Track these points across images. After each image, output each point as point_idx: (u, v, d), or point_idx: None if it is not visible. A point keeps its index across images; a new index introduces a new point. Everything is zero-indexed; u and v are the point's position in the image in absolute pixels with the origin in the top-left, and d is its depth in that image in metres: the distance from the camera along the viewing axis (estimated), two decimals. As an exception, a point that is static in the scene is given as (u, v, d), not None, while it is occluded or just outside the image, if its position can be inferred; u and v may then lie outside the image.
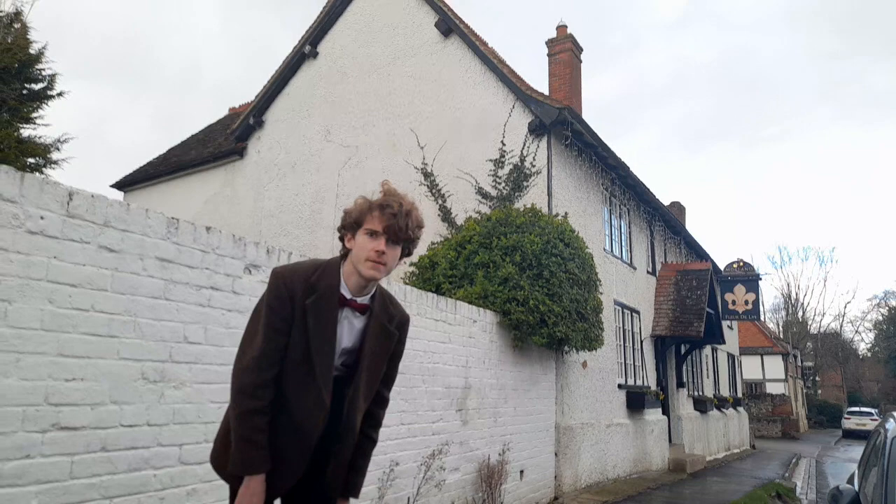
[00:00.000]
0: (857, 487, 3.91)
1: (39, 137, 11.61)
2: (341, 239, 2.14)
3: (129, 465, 2.91)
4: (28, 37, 11.78)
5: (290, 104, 12.18)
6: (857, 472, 4.90)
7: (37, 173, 2.54)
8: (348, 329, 2.11)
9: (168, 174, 13.57)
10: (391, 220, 2.03)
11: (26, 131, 11.44)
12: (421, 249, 8.45)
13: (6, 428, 2.49)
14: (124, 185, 14.12)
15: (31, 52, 11.74)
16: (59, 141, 11.82)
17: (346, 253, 2.13)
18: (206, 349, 3.33)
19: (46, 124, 15.68)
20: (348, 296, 2.09)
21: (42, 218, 2.69)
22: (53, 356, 2.67)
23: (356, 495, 2.20)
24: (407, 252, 2.16)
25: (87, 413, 2.76)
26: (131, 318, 2.98)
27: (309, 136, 11.73)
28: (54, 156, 11.66)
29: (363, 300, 2.12)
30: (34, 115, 11.54)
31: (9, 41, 11.09)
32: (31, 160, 10.71)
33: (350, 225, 2.10)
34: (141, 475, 2.95)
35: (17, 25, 11.46)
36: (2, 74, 10.54)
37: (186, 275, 3.27)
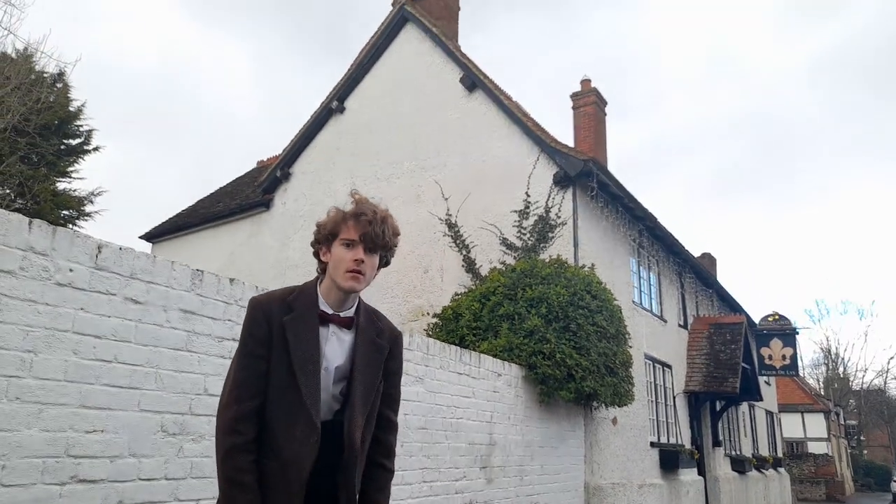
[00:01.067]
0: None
1: (74, 191, 12.06)
2: (315, 255, 2.09)
3: (145, 520, 2.86)
4: (68, 95, 12.40)
5: (316, 157, 12.47)
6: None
7: (70, 225, 2.65)
8: (338, 346, 2.00)
9: (196, 226, 13.89)
10: (367, 228, 1.97)
11: (62, 184, 11.90)
12: (444, 301, 8.42)
13: (26, 480, 2.48)
14: (153, 236, 14.48)
15: (71, 108, 12.34)
16: (92, 194, 12.26)
17: (322, 269, 2.07)
18: (227, 402, 3.31)
19: (81, 178, 16.32)
20: (329, 311, 2.01)
21: (71, 270, 2.75)
22: (75, 407, 2.67)
23: None
24: (385, 262, 2.09)
25: (106, 465, 2.74)
26: (153, 369, 2.99)
27: (334, 187, 11.95)
28: (87, 208, 12.07)
29: (346, 314, 2.03)
30: (70, 169, 12.03)
31: (51, 100, 11.70)
32: (65, 212, 11.11)
33: (325, 238, 2.05)
34: (156, 532, 2.90)
35: (59, 85, 12.09)
36: (42, 131, 11.06)
37: (209, 326, 3.29)
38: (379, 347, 2.07)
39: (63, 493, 2.58)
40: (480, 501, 5.52)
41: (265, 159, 16.48)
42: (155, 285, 3.06)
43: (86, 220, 12.03)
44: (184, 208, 15.19)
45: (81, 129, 12.47)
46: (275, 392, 1.89)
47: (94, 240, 2.88)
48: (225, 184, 16.05)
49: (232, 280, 3.49)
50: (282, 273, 11.97)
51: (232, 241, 13.21)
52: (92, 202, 12.24)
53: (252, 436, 1.85)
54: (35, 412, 2.54)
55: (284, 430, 1.87)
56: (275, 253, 12.42)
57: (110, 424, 2.78)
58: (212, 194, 15.50)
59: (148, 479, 2.90)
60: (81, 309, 2.75)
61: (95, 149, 12.60)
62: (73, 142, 12.46)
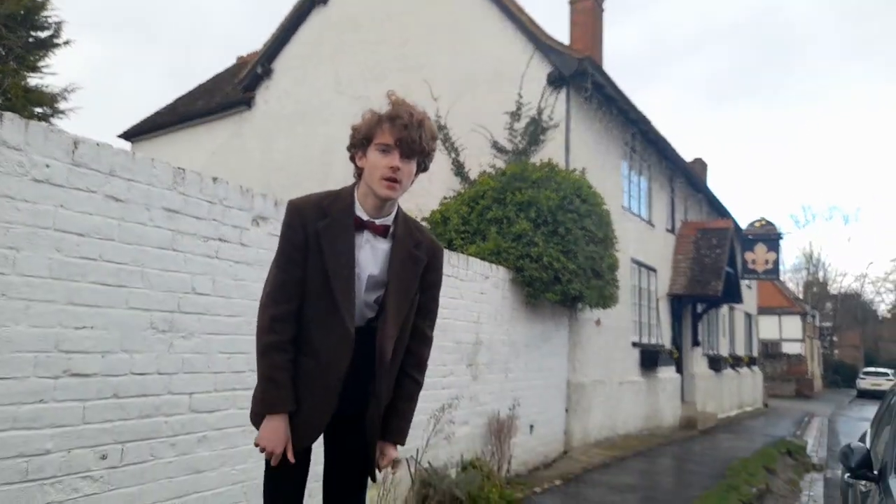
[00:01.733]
0: (868, 446, 3.88)
1: (46, 86, 11.56)
2: (352, 159, 2.02)
3: (141, 411, 2.96)
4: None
5: (299, 53, 11.93)
6: (869, 430, 4.87)
7: (44, 123, 2.53)
8: (372, 254, 1.97)
9: (175, 124, 13.47)
10: (403, 133, 1.89)
11: (33, 80, 11.39)
12: (433, 204, 8.39)
13: (19, 373, 2.53)
14: (131, 135, 14.08)
15: (37, -2, 11.60)
16: (66, 90, 11.77)
17: (358, 175, 2.01)
18: (215, 300, 3.34)
19: (53, 73, 15.58)
20: (365, 217, 1.97)
21: (47, 166, 2.67)
22: (63, 304, 2.69)
23: (402, 441, 2.10)
24: (423, 167, 2.02)
25: (98, 360, 2.80)
26: (139, 268, 2.98)
27: (318, 86, 11.54)
28: (61, 105, 11.63)
29: (383, 221, 1.98)
30: (41, 63, 11.46)
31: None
32: (38, 110, 10.70)
33: (359, 142, 1.98)
34: (152, 422, 3.01)
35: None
36: (7, 22, 10.43)
37: (193, 226, 3.26)
38: (416, 259, 2.03)
39: (57, 386, 2.65)
40: (466, 396, 5.76)
41: (245, 55, 15.76)
42: (136, 183, 2.99)
43: (60, 118, 11.60)
44: (162, 106, 14.69)
45: (49, 20, 11.76)
46: (311, 296, 1.92)
47: (70, 135, 2.78)
48: (204, 81, 15.44)
49: (215, 179, 3.42)
50: (266, 176, 11.78)
51: (213, 141, 12.89)
52: (66, 99, 11.76)
53: (288, 336, 1.89)
54: (22, 308, 2.55)
55: (320, 333, 1.92)
56: (258, 155, 12.16)
57: (99, 321, 2.81)
58: (190, 92, 14.94)
59: (140, 374, 2.97)
60: (61, 206, 2.70)
61: (66, 42, 11.95)
62: (42, 34, 11.79)
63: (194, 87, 15.13)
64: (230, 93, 13.04)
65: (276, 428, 1.87)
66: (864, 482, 3.46)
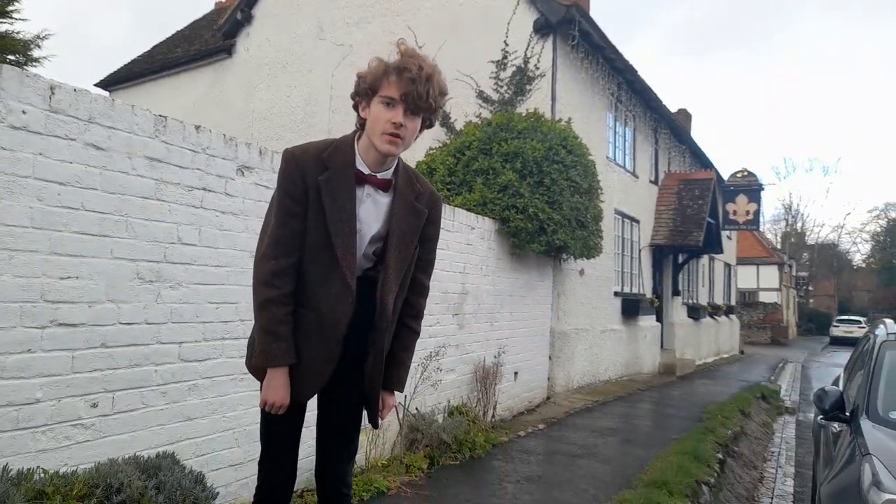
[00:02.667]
0: (841, 389, 4.03)
1: (17, 33, 11.07)
2: (355, 108, 1.94)
3: (130, 360, 2.97)
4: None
5: (280, -2, 11.55)
6: (842, 375, 5.05)
7: (17, 68, 2.42)
8: (374, 208, 1.94)
9: (153, 73, 13.08)
10: (410, 87, 1.80)
11: (2, 26, 10.90)
12: (418, 155, 8.31)
13: (5, 323, 2.51)
14: (108, 84, 13.66)
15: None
16: (38, 37, 11.27)
17: (361, 125, 1.94)
18: (201, 251, 3.32)
19: (24, 19, 14.90)
20: (366, 171, 1.91)
21: (24, 112, 2.58)
22: (46, 254, 2.65)
23: (401, 389, 2.12)
24: (428, 123, 1.94)
25: (85, 310, 2.78)
26: (123, 217, 2.94)
27: (300, 33, 11.22)
28: (35, 53, 11.17)
29: (384, 175, 1.94)
30: (10, 8, 10.95)
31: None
32: (10, 57, 10.27)
33: (364, 91, 1.88)
34: (142, 370, 3.02)
35: None
36: (-28, -37, 9.91)
37: (177, 175, 3.20)
38: (417, 212, 2.00)
39: (44, 335, 2.64)
40: (453, 345, 5.85)
41: (224, 0, 15.23)
42: (116, 131, 2.91)
43: (34, 66, 11.14)
44: (139, 54, 14.21)
45: (15, -40, 11.20)
46: (311, 250, 1.89)
47: (46, 80, 2.68)
48: (182, 27, 14.92)
49: (198, 127, 3.34)
50: (249, 125, 11.56)
51: (193, 90, 12.55)
52: (39, 46, 11.27)
53: (288, 290, 1.87)
54: (5, 258, 2.51)
55: (321, 287, 1.89)
56: (240, 104, 11.90)
57: (84, 271, 2.78)
58: (168, 39, 14.45)
59: (128, 324, 2.97)
60: (40, 154, 2.63)
61: (35, -16, 11.41)
62: (8, -24, 11.24)
63: (172, 34, 14.63)
64: (210, 40, 12.64)
65: (279, 381, 1.88)
66: (836, 423, 3.61)
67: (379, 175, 1.93)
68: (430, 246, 2.10)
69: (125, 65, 13.97)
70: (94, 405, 2.83)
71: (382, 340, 1.99)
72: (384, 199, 1.96)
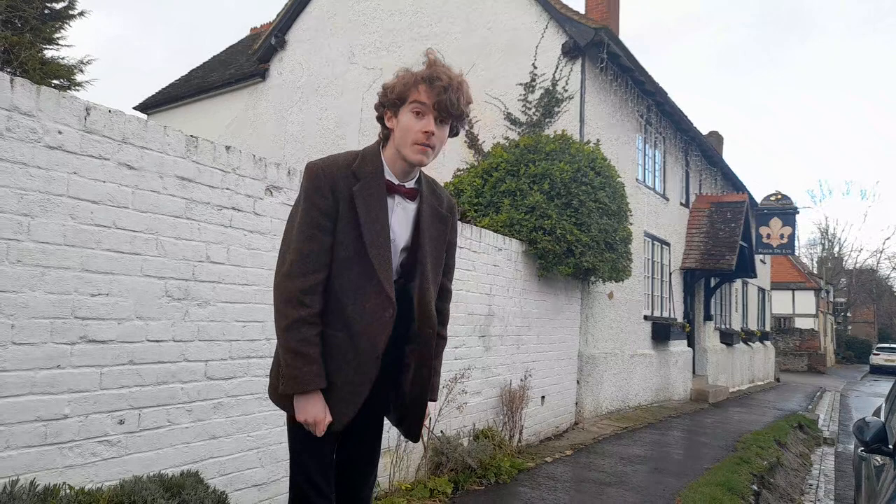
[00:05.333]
0: (883, 420, 3.85)
1: (63, 58, 11.54)
2: (380, 119, 1.92)
3: (157, 378, 2.99)
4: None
5: (312, 24, 11.83)
6: (884, 406, 4.84)
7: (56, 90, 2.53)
8: (403, 219, 1.91)
9: (190, 96, 13.46)
10: (441, 96, 1.78)
11: (49, 52, 11.36)
12: (446, 176, 8.33)
13: (36, 339, 2.55)
14: (146, 107, 14.09)
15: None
16: (81, 62, 11.76)
17: (385, 136, 1.91)
18: (229, 269, 3.35)
19: (69, 45, 15.57)
20: (396, 182, 1.88)
21: (60, 133, 2.66)
22: (78, 271, 2.70)
23: (435, 398, 2.07)
24: (455, 132, 1.93)
25: (114, 327, 2.82)
26: (153, 236, 2.98)
27: (332, 57, 11.44)
28: (78, 77, 11.62)
29: (411, 185, 1.92)
30: (56, 35, 11.43)
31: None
32: (55, 82, 10.68)
33: (391, 102, 1.85)
34: (168, 388, 3.04)
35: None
36: (21, -8, 10.38)
37: (207, 195, 3.25)
38: (443, 218, 1.99)
39: (74, 352, 2.67)
40: (478, 367, 5.78)
41: (259, 26, 15.68)
42: (148, 151, 2.98)
43: (77, 90, 11.61)
44: (176, 78, 14.64)
45: (63, -9, 11.70)
46: (342, 264, 1.81)
47: (82, 101, 2.76)
48: (218, 52, 15.37)
49: (228, 148, 3.40)
50: (281, 147, 11.77)
51: (228, 112, 12.86)
52: (82, 71, 11.77)
53: (318, 308, 1.79)
54: (38, 275, 2.56)
55: (354, 303, 1.82)
56: (272, 126, 12.14)
57: (115, 288, 2.82)
58: (205, 63, 14.89)
59: (156, 341, 2.99)
60: (75, 173, 2.69)
61: (81, 13, 11.90)
62: (57, 5, 11.74)
63: (209, 59, 15.08)
64: (244, 64, 12.98)
65: (316, 405, 1.78)
66: (878, 456, 3.44)
67: (407, 185, 1.92)
68: (452, 251, 2.09)
69: (163, 88, 14.40)
70: (121, 422, 2.84)
71: (430, 351, 1.94)
72: (411, 208, 1.93)
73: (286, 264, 1.80)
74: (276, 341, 2.09)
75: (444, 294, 2.09)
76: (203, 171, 3.23)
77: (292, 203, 3.70)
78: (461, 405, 5.34)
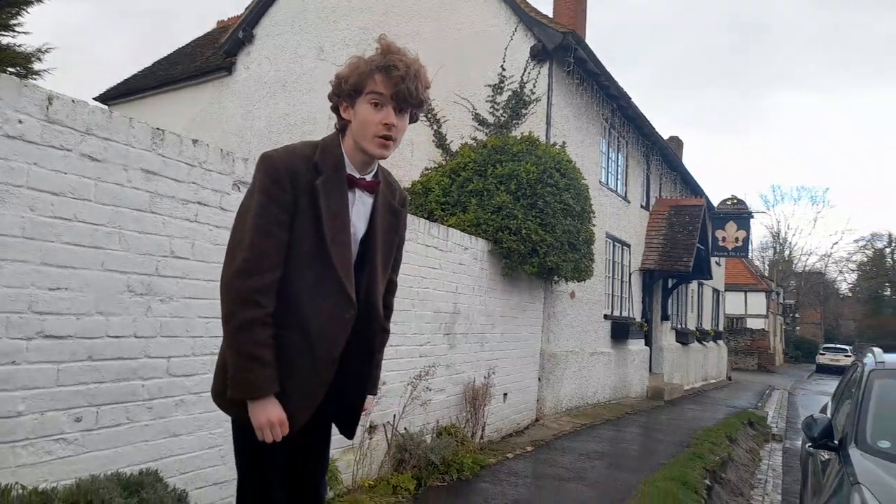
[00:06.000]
0: (830, 417, 4.04)
1: (19, 46, 11.07)
2: (335, 109, 1.85)
3: (117, 374, 2.92)
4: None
5: (281, 18, 11.67)
6: (830, 403, 5.06)
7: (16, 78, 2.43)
8: (362, 213, 1.84)
9: (153, 88, 13.13)
10: (399, 86, 1.71)
11: (5, 39, 10.90)
12: (414, 175, 8.34)
13: (-9, 334, 2.47)
14: (108, 98, 13.67)
15: (4, -49, 11.04)
16: (40, 51, 11.29)
17: (342, 127, 1.84)
18: (194, 265, 3.30)
19: (27, 32, 14.93)
20: (357, 175, 1.82)
21: (20, 122, 2.58)
22: (36, 265, 2.62)
23: (375, 391, 2.03)
24: (415, 118, 1.87)
25: (73, 322, 2.75)
26: (116, 229, 2.92)
27: (301, 53, 11.31)
28: (35, 66, 11.15)
29: (370, 178, 1.86)
30: (13, 22, 10.96)
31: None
32: (11, 70, 10.25)
33: (347, 92, 1.78)
34: (129, 385, 2.98)
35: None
36: (-25, -23, 9.94)
37: (172, 188, 3.19)
38: (396, 212, 1.95)
39: (30, 347, 2.60)
40: (443, 364, 5.82)
41: (226, 19, 15.39)
42: (112, 142, 2.91)
43: (35, 79, 11.13)
44: (140, 70, 14.26)
45: (20, -24, 11.22)
46: (300, 262, 1.72)
47: (44, 90, 2.68)
48: (183, 45, 15.01)
49: (195, 141, 3.35)
50: (246, 143, 11.59)
51: (193, 106, 12.59)
52: (40, 59, 11.26)
53: (272, 308, 1.69)
54: (-5, 268, 2.48)
55: (311, 303, 1.73)
56: (239, 121, 11.93)
57: (74, 283, 2.75)
58: (170, 55, 14.53)
59: (117, 337, 2.93)
60: (35, 164, 2.62)
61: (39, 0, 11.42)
62: (13, -9, 11.24)
63: (174, 51, 14.72)
64: (211, 58, 12.73)
65: (274, 406, 1.68)
66: (824, 451, 3.61)
67: (367, 178, 1.86)
68: (402, 245, 2.05)
69: (125, 80, 14.01)
70: (78, 419, 2.78)
71: (373, 346, 1.92)
72: (369, 201, 1.87)
73: (238, 261, 1.68)
74: None
75: (391, 287, 2.05)
76: (169, 165, 3.17)
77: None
78: (425, 402, 5.37)
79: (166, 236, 3.15)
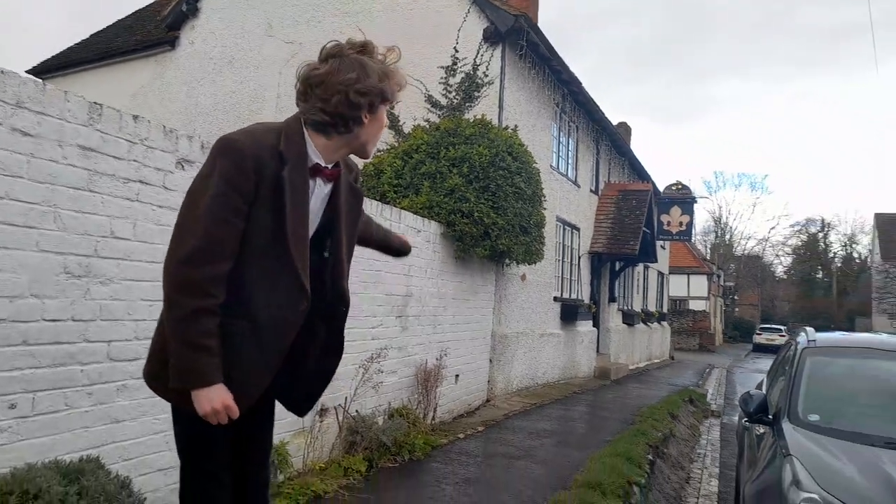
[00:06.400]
0: (765, 393, 4.24)
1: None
2: (357, 120, 1.81)
3: (54, 359, 2.81)
4: None
5: (228, -9, 11.26)
6: (765, 380, 5.32)
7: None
8: (320, 201, 1.85)
9: (90, 62, 12.50)
10: (399, 94, 1.88)
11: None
12: (366, 155, 8.24)
13: (-86, 319, 2.33)
14: (41, 71, 12.92)
15: None
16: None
17: (324, 122, 1.77)
18: (136, 246, 3.18)
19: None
20: (323, 164, 1.82)
21: (-58, 93, 2.42)
22: (-36, 245, 2.48)
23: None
24: None
25: (6, 305, 2.62)
26: (51, 208, 2.78)
27: (248, 28, 10.95)
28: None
29: (335, 166, 1.87)
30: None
31: None
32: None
33: (373, 100, 1.80)
34: (67, 370, 2.86)
35: None
36: None
37: (112, 166, 3.06)
38: (356, 192, 1.98)
39: (-40, 331, 2.47)
40: (395, 347, 5.82)
41: (167, -11, 14.68)
42: (47, 117, 2.76)
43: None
44: (76, 42, 13.54)
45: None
46: (255, 252, 1.70)
47: (-34, 59, 2.52)
48: (123, 16, 14.32)
49: (136, 117, 3.21)
50: (191, 120, 11.19)
51: (134, 81, 12.05)
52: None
53: (222, 298, 1.65)
54: (-83, 248, 2.33)
55: (264, 294, 1.72)
56: (183, 98, 11.50)
57: (6, 264, 2.62)
58: (108, 27, 13.84)
59: (53, 321, 2.81)
60: (-41, 138, 2.46)
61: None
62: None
63: (113, 23, 14.01)
64: (152, 31, 12.17)
65: (221, 392, 1.65)
66: (760, 426, 3.79)
67: (331, 167, 1.86)
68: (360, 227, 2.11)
69: (60, 52, 13.28)
70: (12, 406, 2.66)
71: (342, 329, 1.93)
72: (327, 189, 1.88)
73: (188, 248, 1.62)
74: None
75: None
76: (108, 141, 3.04)
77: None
78: (377, 384, 5.37)
79: (106, 216, 3.03)
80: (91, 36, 13.60)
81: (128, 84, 12.05)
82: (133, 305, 3.18)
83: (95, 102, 3.01)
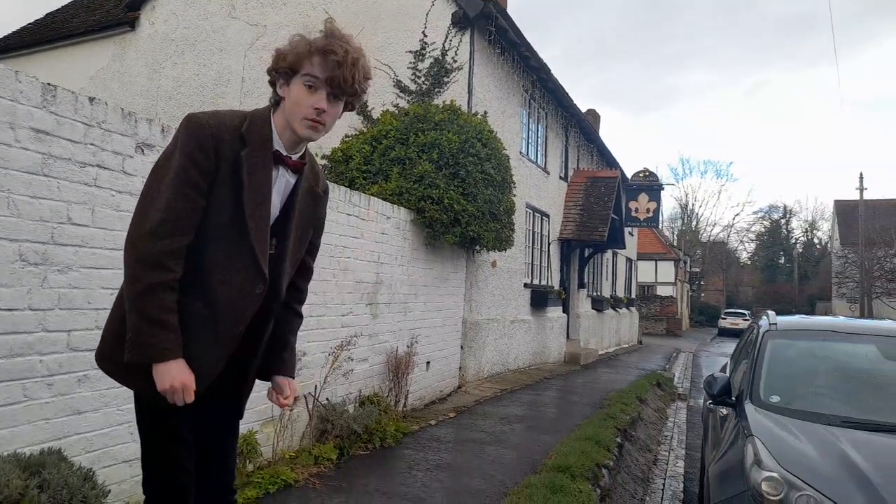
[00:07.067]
0: (728, 376, 4.34)
1: None
2: (272, 83, 1.83)
3: (11, 350, 2.72)
4: None
5: (190, -29, 10.95)
6: (729, 363, 5.44)
7: None
8: (283, 191, 1.84)
9: (46, 43, 12.05)
10: (335, 71, 1.72)
11: None
12: (334, 142, 8.15)
13: None
14: (-7, 52, 12.46)
15: None
16: None
17: (276, 102, 1.83)
18: (95, 232, 3.09)
19: None
20: (284, 152, 1.81)
21: None
22: None
23: (293, 374, 2.04)
24: (350, 107, 1.88)
25: (-43, 296, 2.52)
26: (4, 193, 2.68)
27: (211, 10, 10.68)
28: None
29: (298, 157, 1.86)
30: None
31: None
32: None
33: (284, 70, 1.77)
34: (25, 361, 2.77)
35: None
36: None
37: (68, 150, 2.95)
38: (316, 197, 1.96)
39: None
40: (365, 334, 5.80)
41: (126, -33, 14.21)
42: (-4, 98, 2.65)
43: None
44: (30, 22, 13.03)
45: None
46: (214, 231, 1.71)
47: None
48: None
49: (92, 99, 3.10)
50: (153, 104, 10.91)
51: (92, 63, 11.66)
52: None
53: (179, 273, 1.67)
54: None
55: (221, 275, 1.73)
56: (144, 81, 11.18)
57: (-43, 252, 2.52)
58: (65, 7, 13.37)
59: (9, 310, 2.71)
60: None
61: None
62: None
63: (69, 2, 13.51)
64: (112, 11, 11.77)
65: (181, 369, 1.66)
66: (723, 407, 3.88)
67: (294, 157, 1.86)
68: (320, 231, 2.08)
69: (12, 31, 12.76)
70: (-33, 399, 2.57)
71: (269, 326, 1.92)
72: (290, 181, 1.87)
73: (150, 222, 1.64)
74: None
75: (306, 273, 2.07)
76: (63, 124, 2.93)
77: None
78: (347, 372, 5.35)
79: (62, 202, 2.93)
80: (46, 15, 13.12)
81: (86, 66, 11.67)
82: (93, 294, 3.09)
83: (49, 84, 2.89)
